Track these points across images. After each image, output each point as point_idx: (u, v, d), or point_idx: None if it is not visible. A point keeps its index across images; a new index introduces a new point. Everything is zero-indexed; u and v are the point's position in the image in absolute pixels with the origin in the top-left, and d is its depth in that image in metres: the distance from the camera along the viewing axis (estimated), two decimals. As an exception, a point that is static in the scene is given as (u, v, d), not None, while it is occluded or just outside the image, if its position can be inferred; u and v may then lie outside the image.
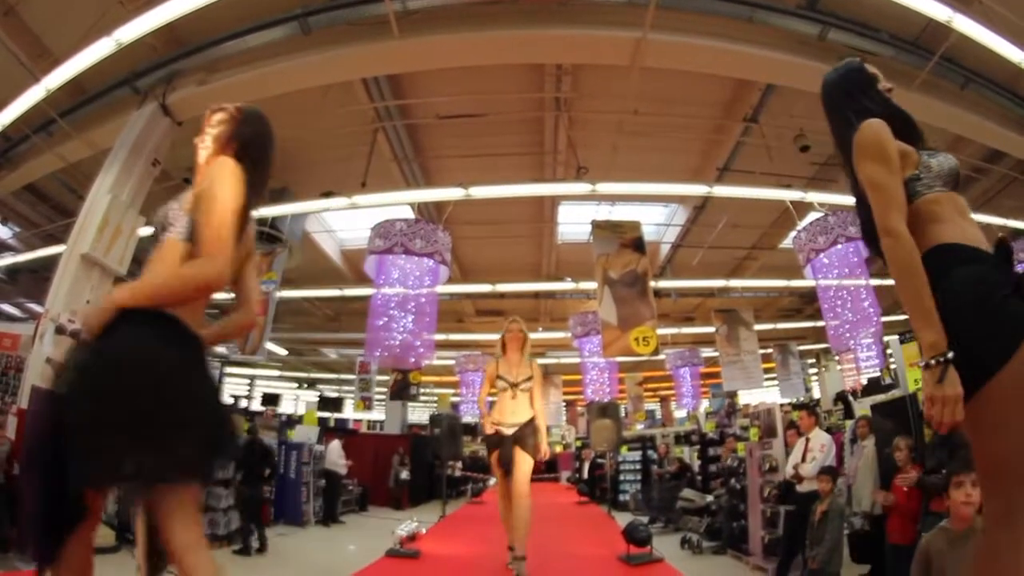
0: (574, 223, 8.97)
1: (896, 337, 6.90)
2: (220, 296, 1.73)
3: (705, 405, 16.92)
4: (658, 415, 20.34)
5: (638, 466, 11.26)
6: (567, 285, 10.03)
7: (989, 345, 1.30)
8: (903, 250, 1.42)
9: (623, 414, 14.39)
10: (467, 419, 14.21)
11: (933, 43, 5.13)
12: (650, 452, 11.30)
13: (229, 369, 18.63)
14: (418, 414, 20.16)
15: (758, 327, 10.61)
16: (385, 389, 15.01)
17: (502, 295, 11.12)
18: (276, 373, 20.83)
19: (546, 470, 17.16)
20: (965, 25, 4.57)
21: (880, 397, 7.44)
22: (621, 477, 11.20)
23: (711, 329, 10.81)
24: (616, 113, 6.43)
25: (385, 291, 6.18)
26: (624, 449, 11.32)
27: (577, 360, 11.69)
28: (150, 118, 5.59)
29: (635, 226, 7.21)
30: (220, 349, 16.04)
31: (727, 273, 10.85)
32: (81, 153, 6.31)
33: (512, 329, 4.64)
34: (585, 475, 13.21)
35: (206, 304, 1.64)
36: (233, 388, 21.09)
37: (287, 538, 6.98)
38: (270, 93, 5.43)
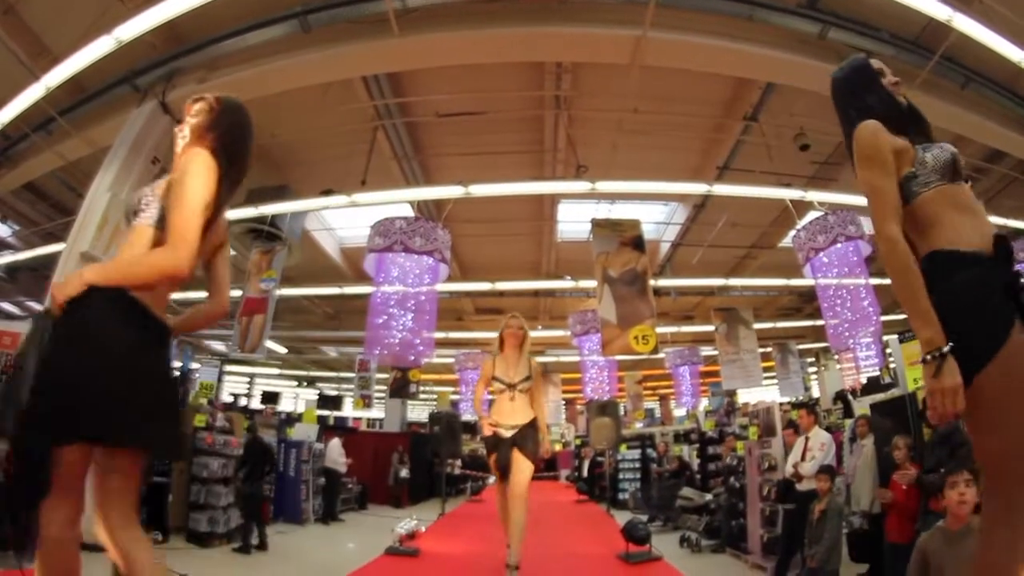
0: (574, 221, 8.97)
1: (895, 336, 6.89)
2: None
3: (704, 404, 16.94)
4: (657, 414, 20.36)
5: (637, 464, 11.26)
6: (566, 283, 10.02)
7: (979, 340, 1.35)
8: (898, 254, 1.47)
9: (622, 412, 14.39)
10: (466, 417, 14.19)
11: (933, 42, 5.12)
12: (649, 451, 11.30)
13: (228, 367, 18.66)
14: (417, 412, 20.13)
15: (757, 326, 10.60)
16: (385, 387, 14.99)
17: (501, 293, 11.11)
18: (276, 371, 20.87)
19: (545, 468, 17.12)
20: (965, 24, 4.57)
21: (879, 396, 7.42)
22: (620, 475, 11.20)
23: (710, 328, 10.81)
24: (616, 111, 6.44)
25: (385, 289, 6.18)
26: (623, 447, 11.31)
27: (576, 358, 11.69)
28: (150, 116, 5.59)
29: (635, 224, 7.19)
30: (219, 347, 16.20)
31: (727, 272, 10.84)
32: (81, 151, 6.32)
33: (511, 325, 4.31)
34: (584, 473, 13.23)
35: (172, 291, 1.74)
36: (233, 386, 21.12)
37: (287, 536, 6.99)
38: (270, 91, 5.45)
